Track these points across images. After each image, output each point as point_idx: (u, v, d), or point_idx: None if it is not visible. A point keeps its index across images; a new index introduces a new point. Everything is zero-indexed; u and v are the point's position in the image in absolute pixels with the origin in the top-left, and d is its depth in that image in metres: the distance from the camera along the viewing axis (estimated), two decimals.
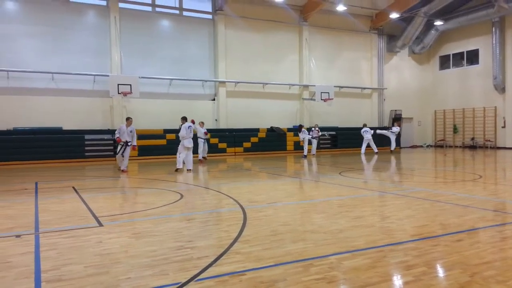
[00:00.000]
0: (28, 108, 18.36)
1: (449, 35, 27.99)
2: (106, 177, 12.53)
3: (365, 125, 22.02)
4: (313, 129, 21.26)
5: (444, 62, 29.02)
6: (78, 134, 18.45)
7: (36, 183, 10.87)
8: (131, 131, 13.32)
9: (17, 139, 17.17)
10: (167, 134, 19.55)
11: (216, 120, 22.46)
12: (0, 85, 17.99)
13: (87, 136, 18.52)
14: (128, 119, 13.62)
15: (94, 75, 19.44)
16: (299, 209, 7.02)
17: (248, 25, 23.02)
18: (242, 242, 4.86)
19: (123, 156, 13.34)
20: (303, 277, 3.70)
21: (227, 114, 22.53)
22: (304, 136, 20.09)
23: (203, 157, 17.81)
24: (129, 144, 13.28)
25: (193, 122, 14.47)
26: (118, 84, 18.43)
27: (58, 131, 18.46)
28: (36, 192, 9.29)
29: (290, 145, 23.00)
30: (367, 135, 21.34)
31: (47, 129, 18.30)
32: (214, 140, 20.92)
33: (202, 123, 17.71)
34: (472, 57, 27.11)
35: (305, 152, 20.25)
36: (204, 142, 17.77)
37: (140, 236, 5.20)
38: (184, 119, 13.82)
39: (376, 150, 21.59)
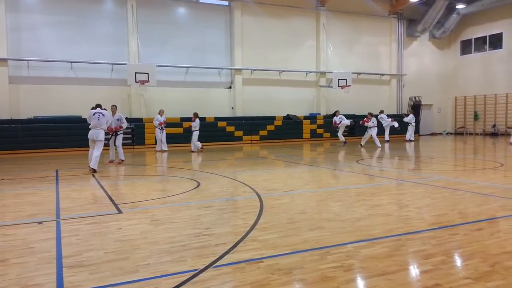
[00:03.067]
0: (48, 97, 18.67)
1: (471, 19, 27.18)
2: (124, 164, 12.70)
3: (382, 112, 21.55)
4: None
5: (466, 47, 28.26)
6: None
7: (57, 171, 11.10)
8: (118, 119, 12.88)
9: (37, 128, 17.50)
10: (184, 123, 19.63)
11: (232, 108, 22.47)
12: (20, 75, 18.34)
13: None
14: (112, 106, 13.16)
15: (112, 64, 19.62)
16: (316, 197, 7.00)
17: (264, 11, 22.79)
18: (259, 229, 4.88)
19: (115, 146, 12.74)
20: (320, 265, 3.70)
21: (243, 102, 22.50)
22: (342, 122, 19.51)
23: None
24: (118, 133, 12.84)
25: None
26: (136, 73, 18.58)
27: (77, 119, 18.75)
28: (57, 179, 9.49)
29: (306, 133, 22.87)
30: (385, 122, 20.80)
31: (67, 118, 18.61)
32: (230, 128, 20.96)
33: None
34: (495, 41, 26.31)
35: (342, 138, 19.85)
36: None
37: (159, 223, 5.27)
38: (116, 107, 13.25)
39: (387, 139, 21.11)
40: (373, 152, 15.83)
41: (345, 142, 19.75)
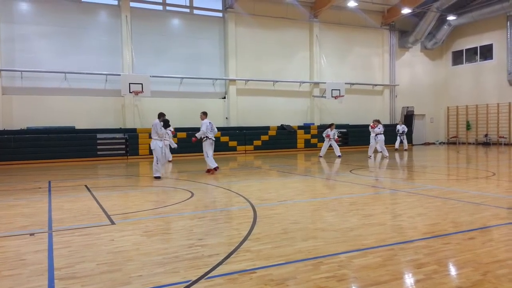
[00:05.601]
0: (41, 108, 18.60)
1: (462, 30, 27.59)
2: (118, 175, 12.65)
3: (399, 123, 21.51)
4: None
5: (457, 58, 28.63)
6: (91, 133, 18.66)
7: (50, 182, 11.03)
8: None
9: (30, 139, 17.41)
10: (178, 133, 19.63)
11: (226, 118, 22.50)
12: (14, 85, 18.28)
13: (99, 135, 18.73)
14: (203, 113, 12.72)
15: (106, 74, 19.62)
16: (309, 207, 7.01)
17: (258, 23, 22.99)
18: (252, 240, 4.88)
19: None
20: (313, 275, 3.70)
21: (237, 112, 22.56)
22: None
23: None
24: (203, 141, 12.47)
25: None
26: (130, 83, 18.55)
27: (71, 130, 18.69)
28: (50, 190, 9.43)
29: (300, 143, 22.94)
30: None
31: (60, 128, 18.54)
32: (224, 138, 20.97)
33: None
34: (486, 52, 26.69)
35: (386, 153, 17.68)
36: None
37: (152, 234, 5.25)
38: (205, 114, 12.64)
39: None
40: (366, 161, 15.88)
41: (321, 156, 18.47)
